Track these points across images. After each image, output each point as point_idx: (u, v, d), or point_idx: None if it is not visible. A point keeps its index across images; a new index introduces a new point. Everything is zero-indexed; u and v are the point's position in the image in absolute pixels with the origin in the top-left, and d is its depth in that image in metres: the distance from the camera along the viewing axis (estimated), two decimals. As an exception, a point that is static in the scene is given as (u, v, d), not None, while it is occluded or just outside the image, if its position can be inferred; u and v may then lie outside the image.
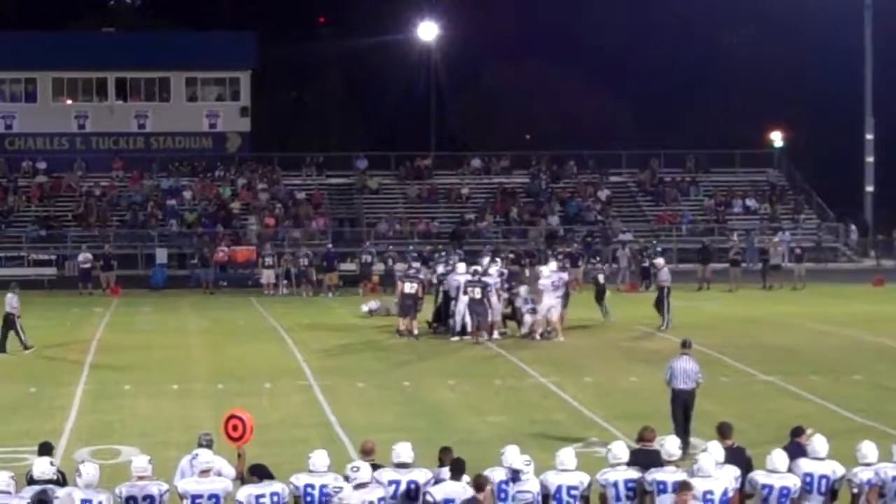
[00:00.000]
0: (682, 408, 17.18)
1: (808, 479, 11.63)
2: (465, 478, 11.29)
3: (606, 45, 62.75)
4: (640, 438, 12.80)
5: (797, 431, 12.79)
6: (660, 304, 30.83)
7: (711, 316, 33.69)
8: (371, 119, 66.94)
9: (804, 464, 11.74)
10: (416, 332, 28.50)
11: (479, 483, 11.02)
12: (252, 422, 12.45)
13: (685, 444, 17.06)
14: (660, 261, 32.70)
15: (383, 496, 11.22)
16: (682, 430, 16.79)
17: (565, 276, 29.27)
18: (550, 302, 28.22)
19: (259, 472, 11.34)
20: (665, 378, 17.38)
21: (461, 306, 28.31)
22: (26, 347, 26.89)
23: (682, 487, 11.08)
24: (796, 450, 12.14)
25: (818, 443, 11.85)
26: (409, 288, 28.60)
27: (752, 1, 63.19)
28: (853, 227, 52.27)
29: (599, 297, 32.47)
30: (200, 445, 12.04)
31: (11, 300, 27.28)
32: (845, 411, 19.60)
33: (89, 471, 11.09)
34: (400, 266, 37.11)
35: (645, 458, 12.12)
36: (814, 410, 20.05)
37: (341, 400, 20.97)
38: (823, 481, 11.64)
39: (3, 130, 54.69)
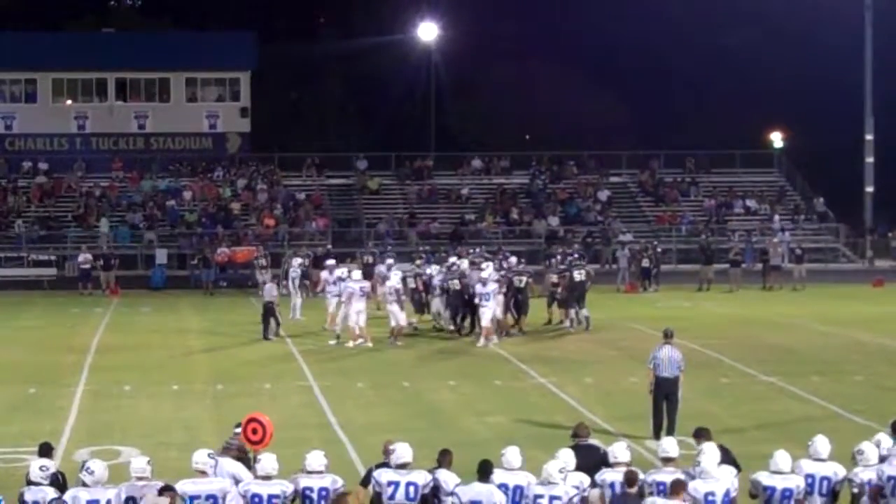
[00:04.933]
0: (664, 396, 17.67)
1: (809, 481, 11.62)
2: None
3: (606, 46, 62.75)
4: (574, 435, 13.01)
5: None
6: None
7: (711, 316, 33.67)
8: (371, 119, 66.93)
9: (806, 465, 11.73)
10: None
11: (630, 478, 11.05)
12: (272, 426, 12.44)
13: (659, 430, 17.23)
14: (512, 260, 31.72)
15: (278, 494, 11.16)
16: (661, 418, 17.43)
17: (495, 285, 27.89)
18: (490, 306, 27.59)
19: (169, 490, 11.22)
20: (648, 366, 17.92)
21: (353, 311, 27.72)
22: (277, 334, 28.57)
23: (675, 487, 11.06)
24: None
25: (820, 444, 11.84)
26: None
27: (752, 1, 63.17)
28: (776, 218, 51.79)
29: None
30: (224, 449, 12.02)
31: (271, 290, 28.89)
32: (846, 412, 19.58)
33: (98, 468, 11.08)
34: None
35: (583, 453, 12.23)
36: (814, 411, 20.05)
37: (341, 401, 20.97)
38: (825, 483, 11.64)
39: (2, 131, 54.68)
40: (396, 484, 11.39)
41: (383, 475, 11.47)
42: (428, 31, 59.01)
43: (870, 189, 54.21)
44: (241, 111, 55.93)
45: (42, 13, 63.09)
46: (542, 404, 20.87)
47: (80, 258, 41.52)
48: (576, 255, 33.64)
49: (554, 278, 30.96)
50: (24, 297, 39.23)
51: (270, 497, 11.13)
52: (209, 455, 11.52)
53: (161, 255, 45.46)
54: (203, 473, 11.35)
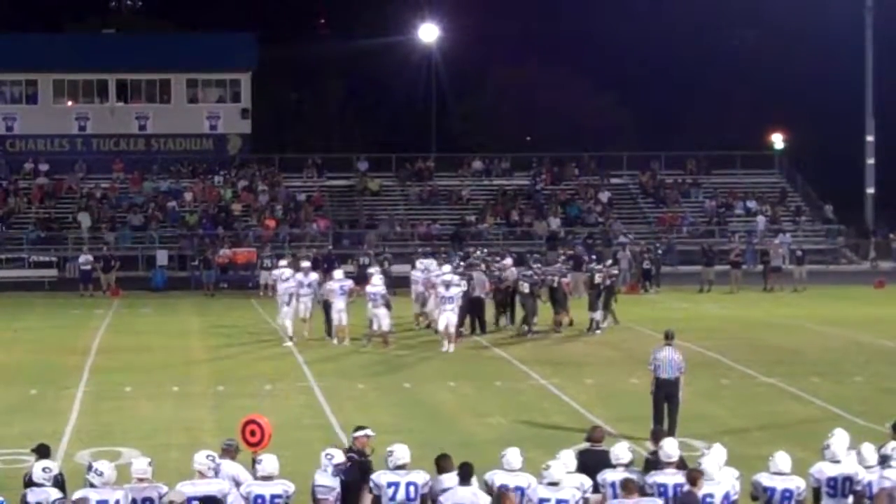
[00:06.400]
0: (664, 397, 17.71)
1: (832, 483, 11.63)
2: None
3: (607, 47, 62.77)
4: (588, 438, 12.97)
5: None
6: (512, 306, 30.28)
7: (712, 318, 33.65)
8: (372, 121, 66.96)
9: (827, 468, 11.71)
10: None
11: (692, 477, 11.10)
12: (270, 427, 12.40)
13: (661, 433, 17.24)
14: (507, 261, 31.86)
15: (280, 494, 11.17)
16: (662, 419, 17.42)
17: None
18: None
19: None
20: (650, 368, 17.95)
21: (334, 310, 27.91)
22: (329, 333, 28.25)
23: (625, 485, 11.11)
24: None
25: (836, 446, 11.82)
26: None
27: (753, 3, 63.21)
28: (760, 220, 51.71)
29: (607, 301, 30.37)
30: (223, 451, 12.01)
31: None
32: (846, 413, 19.56)
33: (107, 469, 11.06)
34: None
35: (593, 458, 12.19)
36: (815, 412, 20.05)
37: (342, 401, 20.96)
38: (848, 483, 11.63)
39: (3, 132, 54.72)
40: (396, 485, 11.41)
41: (382, 477, 11.48)
42: (429, 33, 59.01)
43: (871, 190, 54.22)
44: (242, 112, 55.95)
45: (43, 14, 63.10)
46: (542, 405, 20.86)
47: (81, 259, 41.51)
48: (594, 257, 34.11)
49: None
50: (25, 299, 39.22)
51: (273, 497, 11.15)
52: (209, 457, 11.52)
53: (162, 257, 45.49)
54: (203, 475, 11.35)
